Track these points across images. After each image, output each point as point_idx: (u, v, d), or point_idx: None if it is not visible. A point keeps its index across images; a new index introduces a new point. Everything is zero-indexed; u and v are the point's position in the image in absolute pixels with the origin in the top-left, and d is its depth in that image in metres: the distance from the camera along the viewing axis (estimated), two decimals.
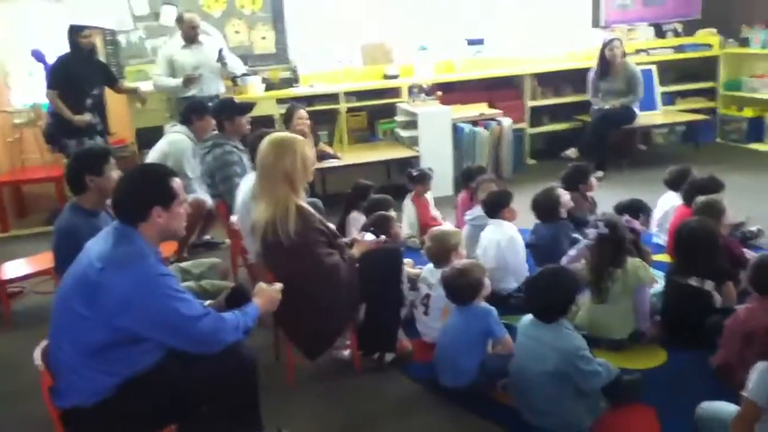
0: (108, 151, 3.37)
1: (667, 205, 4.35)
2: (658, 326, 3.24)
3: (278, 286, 2.60)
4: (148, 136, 5.63)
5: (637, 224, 3.50)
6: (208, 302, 2.54)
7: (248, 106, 4.57)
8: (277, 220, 2.81)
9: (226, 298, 2.51)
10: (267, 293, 2.54)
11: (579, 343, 2.63)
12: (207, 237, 5.13)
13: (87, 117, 5.51)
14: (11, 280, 4.26)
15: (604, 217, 3.33)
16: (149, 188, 2.29)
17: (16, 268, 4.36)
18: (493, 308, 3.01)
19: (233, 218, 3.84)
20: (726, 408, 2.38)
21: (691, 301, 3.12)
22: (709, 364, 2.88)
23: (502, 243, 3.71)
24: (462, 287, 2.96)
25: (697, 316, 3.06)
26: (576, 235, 3.94)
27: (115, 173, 3.07)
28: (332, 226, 3.16)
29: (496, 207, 3.90)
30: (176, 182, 2.33)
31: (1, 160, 6.25)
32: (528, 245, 4.02)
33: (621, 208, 3.70)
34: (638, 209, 3.75)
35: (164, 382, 2.20)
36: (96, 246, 2.23)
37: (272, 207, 2.84)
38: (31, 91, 6.17)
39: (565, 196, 4.05)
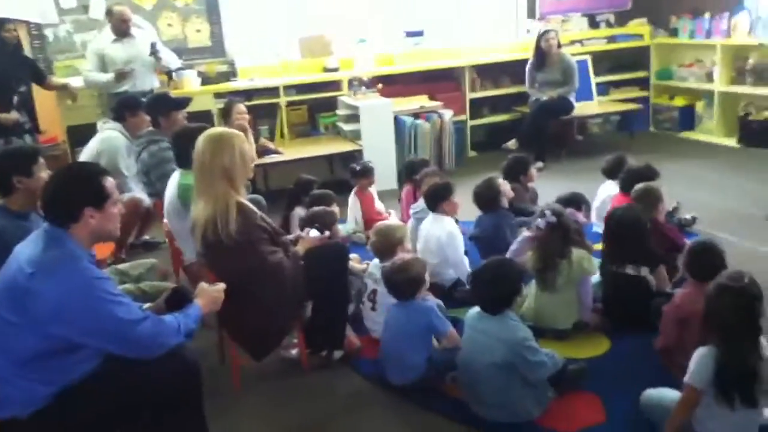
0: (37, 150, 3.22)
1: (604, 194, 4.44)
2: (600, 315, 3.29)
3: (221, 286, 2.54)
4: (81, 133, 5.44)
5: (580, 216, 3.55)
6: (147, 305, 2.46)
7: (184, 101, 4.45)
8: (217, 219, 2.72)
9: (165, 299, 2.44)
10: (209, 293, 2.47)
11: (525, 334, 2.64)
12: (146, 237, 4.98)
13: (14, 115, 5.28)
14: None
15: (550, 206, 3.35)
16: (80, 188, 2.19)
17: None
18: (434, 304, 3.00)
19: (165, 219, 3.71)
20: (668, 394, 2.43)
21: (631, 289, 3.17)
22: (653, 347, 2.93)
23: (442, 238, 3.70)
24: (402, 283, 2.93)
25: (637, 303, 3.12)
26: (520, 219, 3.98)
27: (44, 173, 2.92)
28: (274, 223, 3.09)
29: (437, 200, 3.88)
30: (109, 181, 2.23)
31: None
32: (471, 237, 4.05)
33: (562, 201, 3.73)
34: (579, 202, 3.80)
35: (103, 390, 2.11)
36: (26, 250, 2.13)
37: (211, 205, 2.75)
38: None
39: (505, 185, 4.08)
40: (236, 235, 2.72)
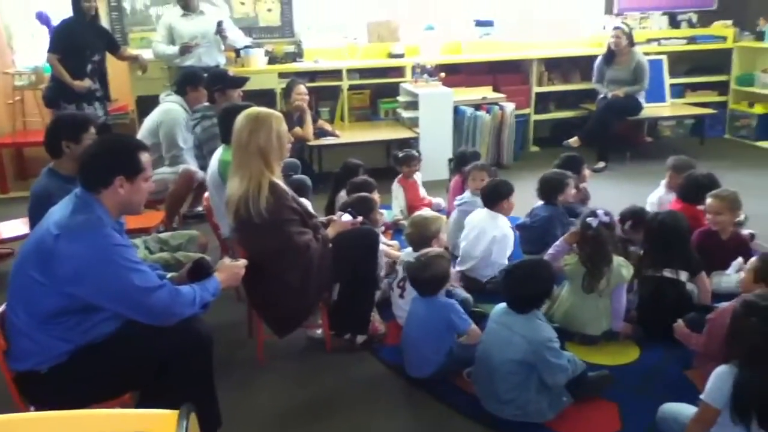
0: (89, 119, 3.35)
1: (654, 196, 4.32)
2: (633, 324, 3.19)
3: (242, 262, 2.59)
4: (149, 104, 5.58)
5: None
6: (170, 275, 2.53)
7: (241, 80, 4.53)
8: (249, 196, 2.78)
9: (188, 271, 2.50)
10: (229, 269, 2.53)
11: (549, 334, 2.60)
12: (199, 209, 5.11)
13: (87, 82, 5.49)
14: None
15: (600, 208, 3.25)
16: (117, 156, 2.27)
17: (7, 228, 4.37)
18: (454, 301, 2.97)
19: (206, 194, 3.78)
20: (686, 410, 2.34)
21: (667, 293, 3.06)
22: (691, 347, 2.84)
23: (497, 237, 3.65)
24: (426, 280, 2.91)
25: (673, 307, 3.01)
26: (572, 220, 3.88)
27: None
28: (308, 203, 3.12)
29: (496, 197, 3.80)
30: (145, 157, 2.32)
31: (2, 121, 6.26)
32: (519, 227, 3.98)
33: (624, 216, 3.62)
34: (637, 218, 3.64)
35: (117, 352, 2.19)
36: (56, 212, 2.23)
37: (245, 182, 2.81)
38: (34, 54, 6.18)
39: (571, 189, 3.98)
40: (266, 213, 2.76)
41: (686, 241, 3.20)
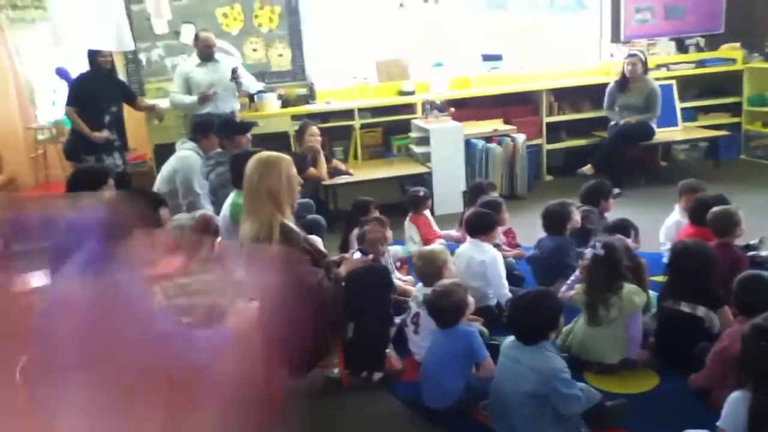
0: (107, 172, 3.45)
1: (670, 220, 4.30)
2: (650, 351, 3.17)
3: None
4: (166, 152, 5.71)
5: (629, 242, 3.44)
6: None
7: (247, 126, 4.63)
8: (261, 239, 2.84)
9: None
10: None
11: (559, 365, 2.60)
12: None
13: (105, 133, 5.62)
14: None
15: (600, 239, 3.27)
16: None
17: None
18: (476, 330, 2.99)
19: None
20: None
21: (681, 328, 3.03)
22: (688, 384, 2.85)
23: (487, 261, 3.69)
24: (445, 309, 2.94)
25: (687, 343, 2.98)
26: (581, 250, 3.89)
27: (110, 194, 3.14)
28: (319, 241, 3.16)
29: (480, 228, 3.85)
30: (164, 212, 2.40)
31: (25, 175, 6.43)
32: (529, 259, 3.99)
33: (609, 229, 3.62)
34: (627, 228, 3.65)
35: None
36: None
37: (257, 226, 2.87)
38: (55, 108, 6.37)
39: (576, 215, 4.00)
40: None
41: (709, 273, 3.09)
